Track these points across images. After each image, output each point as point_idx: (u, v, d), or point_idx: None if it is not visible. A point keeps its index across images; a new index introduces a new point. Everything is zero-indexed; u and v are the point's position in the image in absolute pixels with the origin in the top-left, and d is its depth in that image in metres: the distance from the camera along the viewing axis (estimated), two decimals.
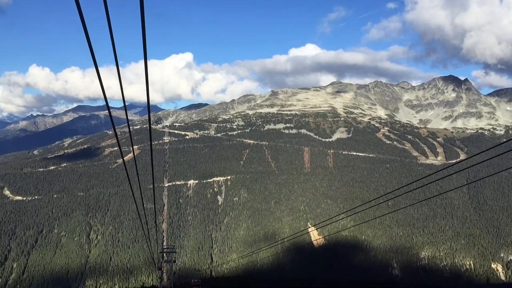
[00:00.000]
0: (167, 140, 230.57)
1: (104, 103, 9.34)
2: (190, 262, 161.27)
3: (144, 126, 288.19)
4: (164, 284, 64.91)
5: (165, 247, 79.15)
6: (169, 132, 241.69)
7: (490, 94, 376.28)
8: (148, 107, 8.99)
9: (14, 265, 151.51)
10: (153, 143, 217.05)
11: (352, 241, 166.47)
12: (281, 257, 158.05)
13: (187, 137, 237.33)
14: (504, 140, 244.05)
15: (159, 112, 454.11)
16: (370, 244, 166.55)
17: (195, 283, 63.38)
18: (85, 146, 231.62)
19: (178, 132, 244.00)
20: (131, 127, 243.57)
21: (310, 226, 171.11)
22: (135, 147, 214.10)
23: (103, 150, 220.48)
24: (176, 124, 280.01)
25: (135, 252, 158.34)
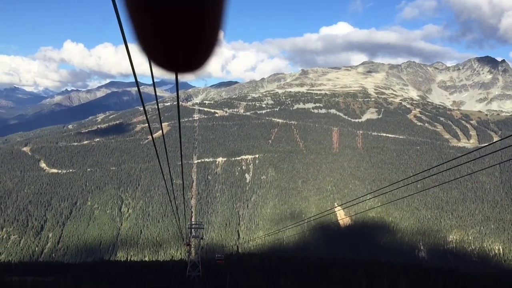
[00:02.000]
0: (197, 118, 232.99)
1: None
2: (217, 238, 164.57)
3: (175, 103, 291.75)
4: (192, 258, 66.91)
5: (193, 222, 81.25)
6: (199, 110, 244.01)
7: None
8: (177, 84, 9.40)
9: (50, 235, 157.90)
10: (183, 120, 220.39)
11: (379, 223, 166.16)
12: (307, 236, 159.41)
13: (216, 115, 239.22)
14: None
15: (189, 90, 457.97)
16: (397, 226, 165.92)
17: (218, 258, 65.26)
18: (117, 122, 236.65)
19: (208, 109, 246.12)
20: (161, 104, 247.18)
21: (337, 206, 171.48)
22: (165, 123, 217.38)
23: (135, 126, 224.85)
24: (206, 101, 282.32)
25: (165, 226, 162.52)
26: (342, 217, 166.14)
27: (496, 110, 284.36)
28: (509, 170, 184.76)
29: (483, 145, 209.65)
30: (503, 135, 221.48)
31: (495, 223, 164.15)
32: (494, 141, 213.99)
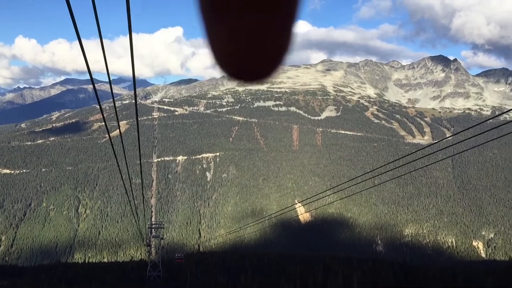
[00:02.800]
0: (156, 116, 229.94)
1: (92, 76, 9.31)
2: (178, 237, 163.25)
3: (133, 101, 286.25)
4: (152, 259, 66.25)
5: (153, 222, 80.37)
6: (158, 108, 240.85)
7: (478, 75, 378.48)
8: (134, 82, 9.16)
9: (3, 238, 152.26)
10: (142, 118, 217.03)
11: (338, 218, 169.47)
12: (268, 233, 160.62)
13: (176, 113, 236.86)
14: (491, 120, 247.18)
15: (148, 87, 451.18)
16: (355, 221, 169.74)
17: (178, 257, 65.30)
18: (73, 120, 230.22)
19: (168, 107, 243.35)
20: (120, 102, 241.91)
21: (297, 202, 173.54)
22: (124, 122, 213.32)
23: (92, 125, 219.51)
24: (166, 99, 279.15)
25: (124, 227, 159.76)
26: (303, 214, 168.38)
27: (448, 108, 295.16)
28: (461, 165, 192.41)
29: (436, 141, 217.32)
30: (455, 132, 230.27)
31: (448, 216, 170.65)
32: (446, 137, 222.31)
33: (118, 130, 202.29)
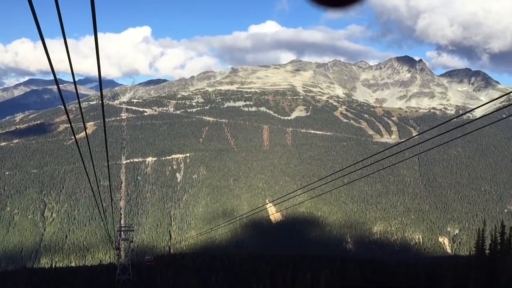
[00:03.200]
0: (125, 117, 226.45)
1: (57, 77, 9.00)
2: (148, 239, 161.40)
3: (100, 101, 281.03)
4: (122, 262, 65.22)
5: (122, 225, 79.06)
6: (127, 109, 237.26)
7: (442, 75, 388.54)
8: (100, 82, 8.93)
9: None
10: (110, 119, 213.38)
11: (309, 217, 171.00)
12: (239, 233, 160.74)
13: (145, 113, 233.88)
14: (455, 119, 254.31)
15: (116, 88, 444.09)
16: (325, 220, 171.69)
17: (148, 260, 64.98)
18: (38, 122, 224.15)
19: (136, 108, 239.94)
20: (87, 103, 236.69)
21: (268, 202, 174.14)
22: (91, 123, 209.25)
23: (57, 126, 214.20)
24: (134, 100, 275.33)
25: (92, 230, 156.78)
26: (274, 214, 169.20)
27: (414, 107, 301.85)
28: (427, 164, 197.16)
29: (403, 140, 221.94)
30: (421, 130, 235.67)
31: (415, 213, 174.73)
32: (413, 136, 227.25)
33: (84, 132, 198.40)
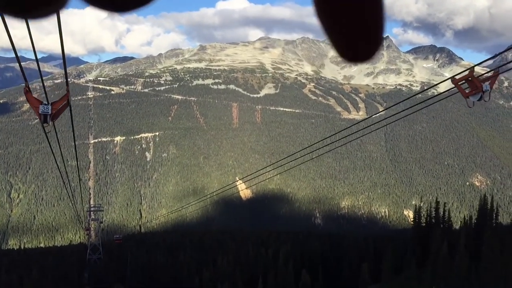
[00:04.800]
0: (91, 95, 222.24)
1: (19, 54, 8.47)
2: (119, 218, 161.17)
3: (65, 79, 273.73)
4: (92, 242, 65.66)
5: (92, 205, 79.20)
6: (93, 87, 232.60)
7: (408, 52, 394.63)
8: (64, 59, 8.82)
9: None
10: (76, 98, 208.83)
11: (278, 194, 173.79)
12: (209, 210, 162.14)
13: (112, 92, 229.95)
14: (420, 95, 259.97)
15: (82, 66, 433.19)
16: (295, 196, 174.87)
17: (117, 238, 65.81)
18: (1, 101, 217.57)
19: (103, 87, 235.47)
20: (51, 81, 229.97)
21: (238, 180, 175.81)
22: None
23: (22, 106, 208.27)
24: (101, 78, 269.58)
25: (61, 210, 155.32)
26: (244, 191, 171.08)
27: (381, 84, 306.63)
28: (393, 139, 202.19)
29: (370, 116, 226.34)
30: (388, 106, 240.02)
31: (381, 188, 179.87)
32: (379, 112, 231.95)
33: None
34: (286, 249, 57.91)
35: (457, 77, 11.71)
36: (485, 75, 11.87)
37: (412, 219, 61.86)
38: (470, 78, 11.31)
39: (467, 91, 11.57)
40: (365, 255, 52.78)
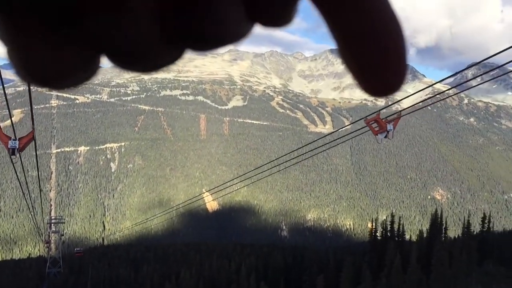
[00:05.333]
0: (55, 104, 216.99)
1: None
2: (81, 230, 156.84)
3: (28, 87, 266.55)
4: (52, 255, 63.62)
5: (52, 217, 76.80)
6: (57, 96, 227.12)
7: None
8: (29, 96, 9.12)
9: None
10: (38, 106, 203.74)
11: (245, 206, 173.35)
12: (175, 223, 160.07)
13: (77, 101, 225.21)
14: (384, 110, 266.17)
15: None
16: (261, 208, 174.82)
17: (77, 251, 64.37)
18: None
19: (67, 95, 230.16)
20: (13, 89, 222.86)
21: (205, 192, 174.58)
22: (18, 110, 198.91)
23: None
24: None
25: (20, 222, 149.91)
26: (210, 203, 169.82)
27: (348, 98, 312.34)
28: (358, 153, 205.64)
29: (336, 129, 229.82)
30: (353, 121, 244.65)
31: (346, 201, 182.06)
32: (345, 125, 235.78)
33: (13, 118, 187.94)
34: (249, 261, 57.93)
35: (369, 117, 14.19)
36: (391, 116, 14.08)
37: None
38: (377, 120, 13.68)
39: (377, 129, 13.76)
40: (325, 268, 53.59)
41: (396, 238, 54.81)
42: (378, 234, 57.47)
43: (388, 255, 43.42)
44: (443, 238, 48.40)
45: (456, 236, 58.11)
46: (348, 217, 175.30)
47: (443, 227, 53.40)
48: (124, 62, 0.52)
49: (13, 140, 12.45)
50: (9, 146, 12.20)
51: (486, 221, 51.57)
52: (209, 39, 0.52)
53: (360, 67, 0.54)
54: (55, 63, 0.48)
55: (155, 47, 0.51)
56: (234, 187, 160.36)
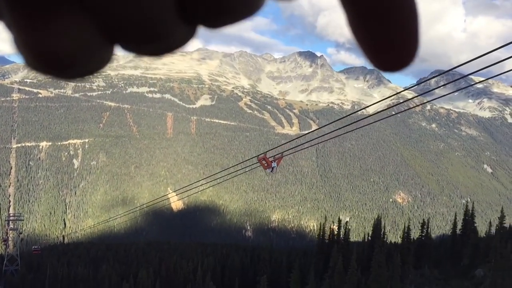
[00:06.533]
0: (16, 98, 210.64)
1: None
2: (40, 227, 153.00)
3: None
4: (10, 252, 62.16)
5: (11, 214, 74.98)
6: (19, 89, 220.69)
7: (341, 71, 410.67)
8: None
9: None
10: None
11: (210, 206, 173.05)
12: (139, 221, 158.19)
13: (40, 95, 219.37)
14: (352, 114, 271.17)
15: (7, 66, 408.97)
16: (226, 208, 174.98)
17: (35, 249, 63.84)
18: None
19: (30, 89, 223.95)
20: None
21: (170, 191, 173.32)
22: None
23: None
24: (27, 80, 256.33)
25: None
26: (175, 202, 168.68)
27: (315, 101, 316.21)
28: (324, 155, 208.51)
29: (303, 132, 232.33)
30: (320, 123, 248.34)
31: (311, 202, 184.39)
32: (312, 128, 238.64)
33: None
34: (207, 261, 58.34)
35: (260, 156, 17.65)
36: (276, 156, 18.02)
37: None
38: (265, 159, 17.58)
39: (265, 165, 17.59)
40: (278, 268, 54.94)
41: (344, 241, 57.39)
42: (325, 236, 60.07)
43: (332, 256, 45.88)
44: (382, 242, 51.16)
45: (400, 241, 61.07)
46: (312, 219, 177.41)
47: (382, 232, 57.41)
48: (137, 42, 0.52)
49: None
50: None
51: (425, 226, 55.38)
52: (225, 12, 0.51)
53: (373, 42, 0.57)
54: (67, 48, 0.47)
55: (169, 23, 0.51)
56: (200, 188, 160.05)
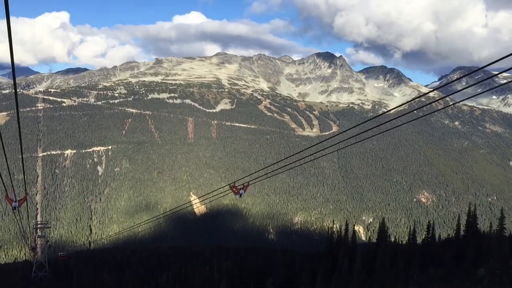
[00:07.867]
0: (41, 107, 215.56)
1: None
2: (67, 234, 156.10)
3: (14, 90, 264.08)
4: (38, 259, 63.68)
5: (38, 221, 76.83)
6: (43, 98, 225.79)
7: (361, 71, 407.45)
8: (13, 68, 8.61)
9: None
10: (25, 109, 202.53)
11: (233, 209, 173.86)
12: (162, 226, 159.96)
13: (64, 104, 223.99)
14: (371, 114, 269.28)
15: (31, 76, 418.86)
16: (249, 211, 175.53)
17: (61, 255, 65.12)
18: None
19: (54, 98, 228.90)
20: None
21: (193, 195, 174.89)
22: (3, 113, 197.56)
23: None
24: (52, 89, 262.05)
25: (5, 226, 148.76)
26: (198, 206, 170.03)
27: (335, 102, 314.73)
28: (345, 156, 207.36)
29: (324, 133, 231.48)
30: (341, 124, 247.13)
31: (333, 204, 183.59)
32: (333, 130, 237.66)
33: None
34: (225, 265, 58.86)
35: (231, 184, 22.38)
36: (244, 184, 22.36)
37: (362, 235, 67.21)
38: (233, 187, 22.08)
39: (235, 191, 22.07)
40: (293, 270, 55.31)
41: (350, 243, 58.08)
42: (333, 239, 60.37)
43: (339, 259, 46.36)
44: (386, 243, 51.43)
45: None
46: (335, 220, 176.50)
47: (386, 233, 59.78)
48: None
49: (15, 201, 20.27)
50: (12, 206, 20.29)
51: (431, 228, 55.87)
52: None
53: None
54: None
55: None
56: (222, 193, 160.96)
